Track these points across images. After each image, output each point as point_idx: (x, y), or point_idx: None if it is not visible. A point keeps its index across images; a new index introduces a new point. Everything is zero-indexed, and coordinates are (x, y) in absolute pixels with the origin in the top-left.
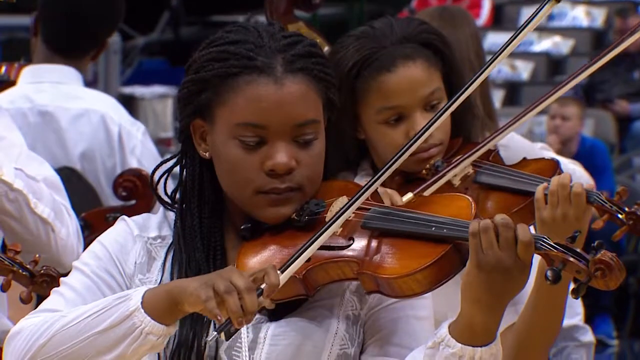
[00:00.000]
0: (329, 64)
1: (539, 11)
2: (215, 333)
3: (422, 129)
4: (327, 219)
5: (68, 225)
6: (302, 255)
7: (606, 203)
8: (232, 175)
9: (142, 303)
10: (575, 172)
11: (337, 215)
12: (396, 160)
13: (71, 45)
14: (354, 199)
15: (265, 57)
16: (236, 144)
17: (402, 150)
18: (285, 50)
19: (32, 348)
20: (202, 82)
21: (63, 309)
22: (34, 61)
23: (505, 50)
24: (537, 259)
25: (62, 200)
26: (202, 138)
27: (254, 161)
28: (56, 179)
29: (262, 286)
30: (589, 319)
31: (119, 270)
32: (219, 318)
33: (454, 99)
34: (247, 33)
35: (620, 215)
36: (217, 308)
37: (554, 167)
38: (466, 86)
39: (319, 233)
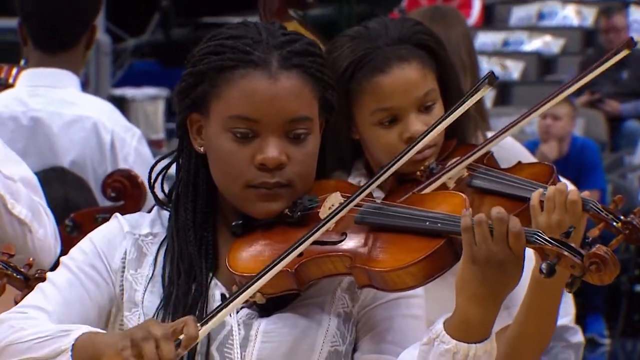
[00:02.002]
0: (327, 65)
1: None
2: None
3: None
4: (320, 215)
5: (46, 226)
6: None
7: (602, 211)
8: (223, 168)
9: (74, 344)
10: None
11: (322, 223)
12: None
13: (59, 40)
14: (347, 202)
15: (262, 53)
16: (229, 137)
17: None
18: (282, 46)
19: None
20: (198, 75)
21: (43, 304)
22: (29, 66)
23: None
24: (530, 264)
25: (40, 200)
26: (198, 132)
27: (246, 154)
28: (33, 179)
29: (181, 337)
30: (580, 317)
31: (104, 265)
32: None
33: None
34: (246, 29)
35: (616, 224)
36: (133, 357)
37: (550, 173)
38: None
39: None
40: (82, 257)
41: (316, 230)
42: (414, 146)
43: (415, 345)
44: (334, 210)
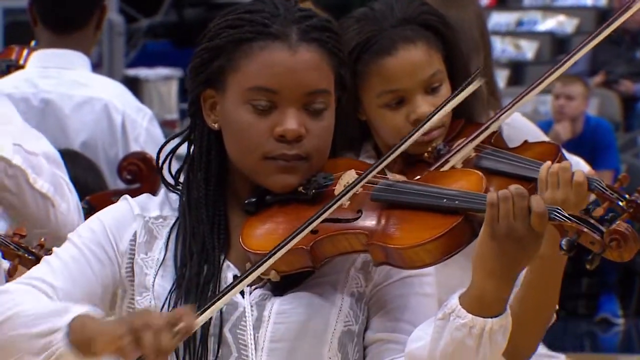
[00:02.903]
0: (342, 42)
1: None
2: None
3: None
4: (335, 193)
5: (69, 200)
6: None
7: (607, 190)
8: (241, 141)
9: (69, 324)
10: (574, 160)
11: (336, 199)
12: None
13: (68, 19)
14: (362, 176)
15: (280, 26)
16: (247, 108)
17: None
18: (300, 21)
19: None
20: (215, 49)
21: (49, 278)
22: (40, 47)
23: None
24: None
25: (63, 175)
26: (212, 109)
27: (264, 126)
28: (55, 153)
29: (179, 326)
30: (594, 298)
31: (112, 246)
32: (130, 356)
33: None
34: (263, 4)
35: (620, 203)
36: (131, 345)
37: (556, 152)
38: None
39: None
40: (89, 234)
41: (330, 207)
42: (430, 118)
43: (428, 322)
44: (348, 186)
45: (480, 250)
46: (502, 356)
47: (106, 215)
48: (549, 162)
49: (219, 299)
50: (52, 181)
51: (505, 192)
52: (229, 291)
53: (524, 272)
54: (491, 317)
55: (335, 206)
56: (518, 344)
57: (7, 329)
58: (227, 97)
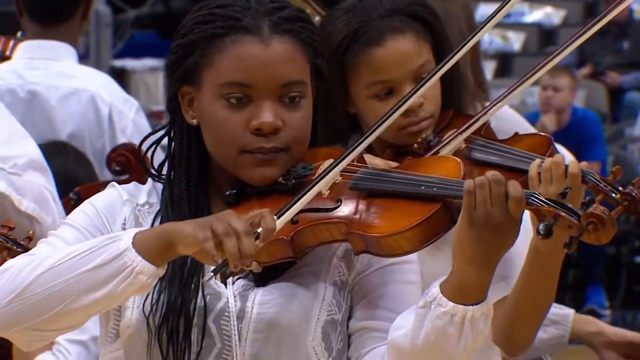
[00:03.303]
0: (316, 31)
1: None
2: (212, 274)
3: (412, 90)
4: (316, 175)
5: (53, 213)
6: (299, 202)
7: (600, 183)
8: (218, 136)
9: (133, 243)
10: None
11: (312, 184)
12: (385, 120)
13: (54, 11)
14: (348, 152)
15: (252, 19)
16: (223, 104)
17: (394, 109)
18: (272, 13)
19: (19, 286)
20: (189, 46)
21: (52, 253)
22: (26, 38)
23: (494, 18)
24: (529, 235)
25: (47, 182)
26: (190, 105)
27: (240, 120)
28: (41, 158)
29: (259, 230)
30: (581, 289)
31: (107, 228)
32: (216, 259)
33: (443, 62)
34: None
35: (614, 195)
36: (214, 250)
37: (547, 144)
38: (455, 51)
39: (316, 179)
40: (85, 218)
41: (308, 191)
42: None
43: (410, 309)
44: (324, 170)
45: (458, 237)
46: (499, 347)
47: (97, 200)
48: (538, 160)
49: (297, 201)
50: (36, 198)
51: (481, 179)
52: (306, 194)
53: (522, 266)
54: (472, 305)
55: (313, 192)
56: (515, 336)
57: (45, 282)
58: (203, 93)
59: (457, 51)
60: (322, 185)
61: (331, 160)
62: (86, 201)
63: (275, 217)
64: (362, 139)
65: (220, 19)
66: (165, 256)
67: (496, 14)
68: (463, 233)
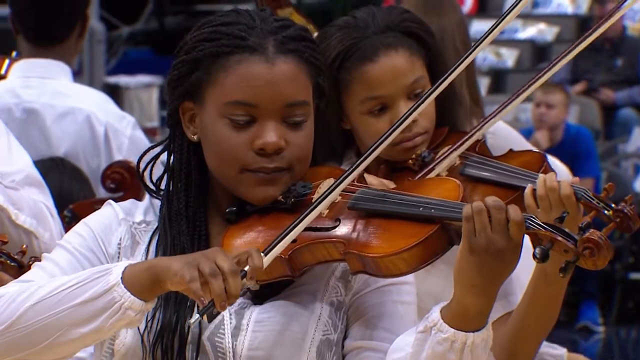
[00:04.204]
0: (319, 50)
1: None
2: (198, 315)
3: (409, 110)
4: (313, 201)
5: (51, 228)
6: (287, 237)
7: (593, 200)
8: (220, 154)
9: (122, 278)
10: (556, 165)
11: (322, 197)
12: (383, 141)
13: (50, 35)
14: (340, 179)
15: (257, 38)
16: (226, 123)
17: (391, 130)
18: (277, 32)
19: (9, 317)
20: (193, 63)
21: (45, 280)
22: (22, 57)
23: (490, 35)
24: (529, 245)
25: (44, 199)
26: (191, 121)
27: (243, 140)
28: (37, 174)
29: (246, 268)
30: (575, 305)
31: (102, 250)
32: (202, 300)
33: (440, 81)
34: (238, 16)
35: (607, 212)
36: (201, 290)
37: (541, 161)
38: (451, 70)
39: (303, 215)
40: (79, 240)
41: (309, 213)
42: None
43: (409, 332)
44: (325, 192)
45: (460, 264)
46: None
47: (93, 220)
48: (530, 186)
49: (282, 238)
50: (33, 213)
51: (478, 205)
52: (291, 230)
53: (523, 283)
54: (473, 332)
55: (314, 214)
56: (517, 354)
57: (35, 314)
58: (205, 110)
59: (457, 66)
60: (314, 215)
61: (331, 180)
62: (82, 221)
63: (262, 254)
64: (360, 160)
65: (225, 37)
66: (154, 292)
67: (492, 30)
68: (464, 260)
